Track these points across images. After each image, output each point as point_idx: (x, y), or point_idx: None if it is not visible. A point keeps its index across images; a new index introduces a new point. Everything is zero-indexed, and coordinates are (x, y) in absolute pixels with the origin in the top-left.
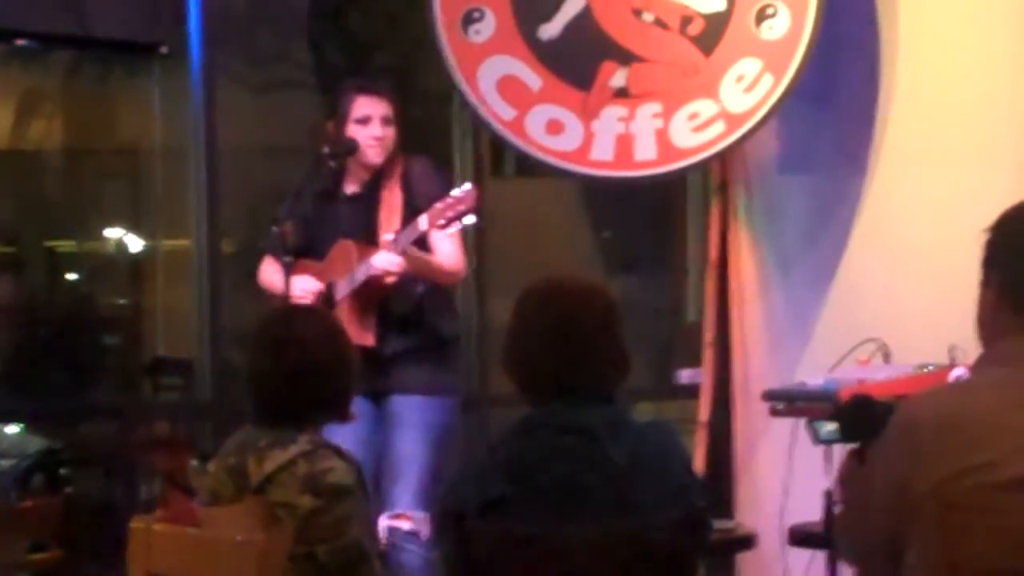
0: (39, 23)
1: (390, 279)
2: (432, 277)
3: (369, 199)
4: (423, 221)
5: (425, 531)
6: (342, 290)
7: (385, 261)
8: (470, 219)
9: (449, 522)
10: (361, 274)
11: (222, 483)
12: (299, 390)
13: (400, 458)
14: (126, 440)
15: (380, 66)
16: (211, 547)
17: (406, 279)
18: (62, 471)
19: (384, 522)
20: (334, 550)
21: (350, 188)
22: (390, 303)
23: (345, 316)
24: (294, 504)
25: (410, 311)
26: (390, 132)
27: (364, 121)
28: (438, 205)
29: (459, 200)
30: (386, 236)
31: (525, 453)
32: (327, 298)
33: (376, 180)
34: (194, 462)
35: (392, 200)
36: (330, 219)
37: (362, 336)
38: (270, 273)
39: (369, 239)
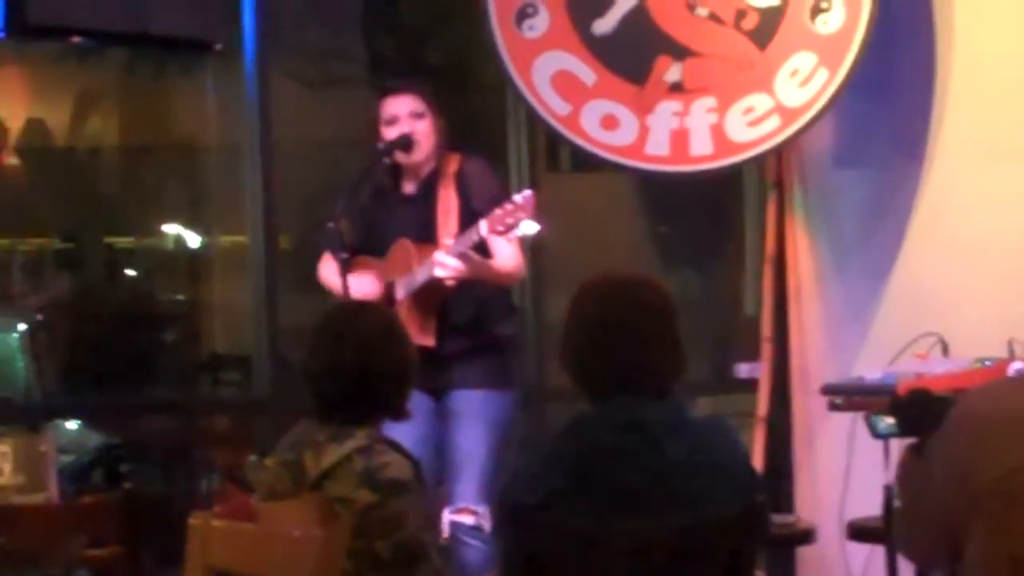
0: (94, 21)
1: (450, 282)
2: (491, 280)
3: (426, 199)
4: (483, 227)
5: (488, 525)
6: (402, 290)
7: (445, 265)
8: (530, 226)
9: (508, 517)
10: (421, 276)
11: (280, 478)
12: (357, 387)
13: (461, 453)
14: (184, 436)
15: (434, 61)
16: (270, 542)
17: (466, 282)
18: (121, 467)
19: (447, 516)
20: (392, 545)
21: (407, 188)
22: (450, 305)
23: (405, 316)
24: (351, 499)
25: (470, 313)
26: (423, 125)
27: (392, 122)
28: (498, 211)
29: (519, 207)
30: (446, 240)
31: (583, 449)
32: (388, 297)
33: (431, 181)
34: (252, 457)
35: (448, 200)
36: (388, 218)
37: (423, 337)
38: (329, 271)
39: (426, 238)
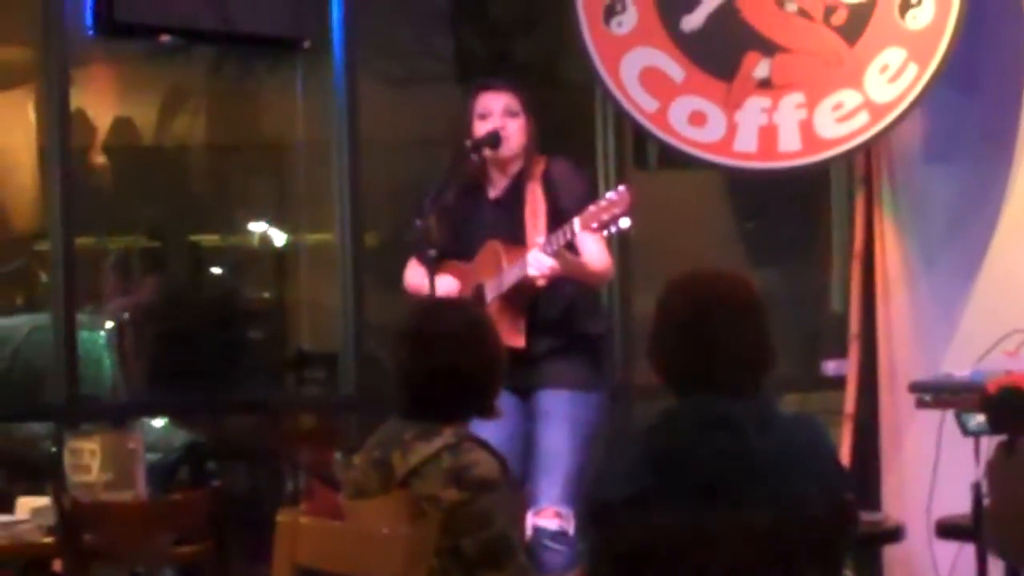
0: (182, 19)
1: (541, 282)
2: (582, 279)
3: (512, 201)
4: (576, 224)
5: (572, 528)
6: (492, 291)
7: (538, 264)
8: (625, 222)
9: (596, 514)
10: (512, 276)
11: (367, 476)
12: (445, 385)
13: (547, 453)
14: (271, 434)
15: (521, 58)
16: (358, 540)
17: (556, 281)
18: (207, 464)
19: (531, 519)
20: (479, 543)
21: (494, 190)
22: (539, 304)
23: (495, 317)
24: (439, 497)
25: (560, 312)
26: (516, 123)
27: (485, 116)
28: (592, 208)
29: (613, 203)
30: (538, 239)
31: (670, 446)
32: (478, 299)
33: (519, 182)
34: (338, 455)
35: (535, 201)
36: (475, 219)
37: (513, 337)
38: (416, 276)
39: (514, 240)
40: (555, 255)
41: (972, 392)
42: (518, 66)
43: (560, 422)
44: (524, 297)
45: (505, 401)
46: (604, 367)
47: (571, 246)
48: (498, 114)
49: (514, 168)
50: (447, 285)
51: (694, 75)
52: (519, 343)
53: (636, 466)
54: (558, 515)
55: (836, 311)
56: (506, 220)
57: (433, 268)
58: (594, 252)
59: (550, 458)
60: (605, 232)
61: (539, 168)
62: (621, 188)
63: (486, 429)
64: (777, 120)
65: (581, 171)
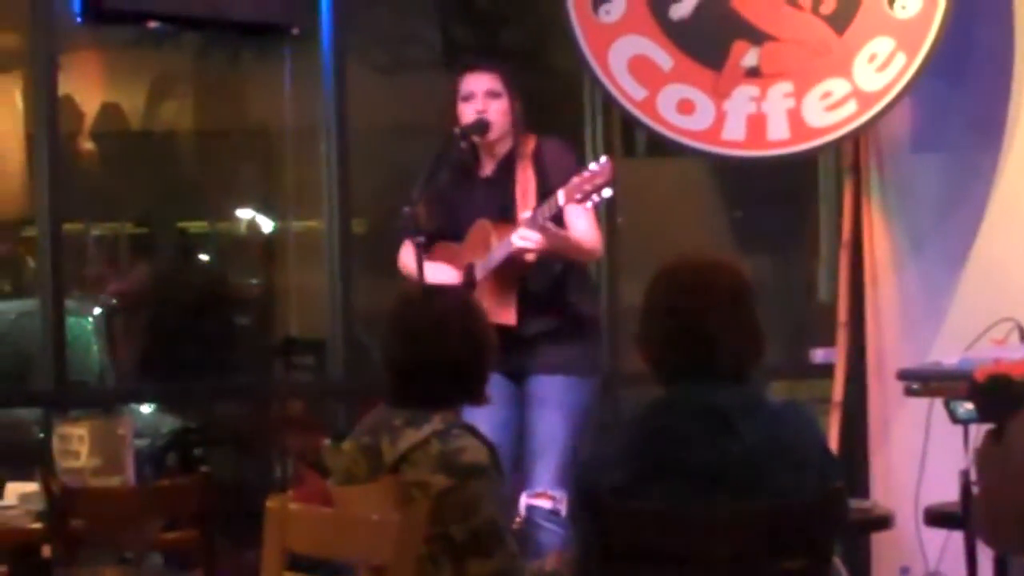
0: (170, 6)
1: (529, 256)
2: (570, 254)
3: (503, 180)
4: (560, 196)
5: (565, 510)
6: (482, 270)
7: (524, 237)
8: (608, 192)
9: (585, 502)
10: (501, 252)
11: (356, 462)
12: (434, 372)
13: (540, 438)
14: (259, 420)
15: (509, 46)
16: (347, 526)
17: (545, 257)
18: (195, 451)
19: (524, 500)
20: (468, 529)
21: (484, 170)
22: (529, 282)
23: (485, 295)
24: (428, 483)
25: (549, 290)
26: (498, 105)
27: (468, 98)
28: (575, 179)
29: (596, 174)
30: (524, 213)
31: (658, 433)
32: (468, 279)
33: (508, 161)
34: (328, 441)
35: (526, 180)
36: (466, 200)
37: (503, 315)
38: (410, 258)
39: (505, 219)
40: (542, 228)
41: (960, 380)
42: (506, 54)
43: (553, 407)
44: (514, 273)
45: (498, 386)
46: (596, 351)
47: (560, 222)
48: (480, 96)
49: (503, 148)
50: (443, 275)
51: (682, 63)
52: (510, 320)
53: (625, 454)
54: (552, 498)
55: (824, 299)
56: (497, 199)
57: (422, 255)
58: (583, 227)
59: (544, 443)
60: (590, 203)
61: (529, 147)
62: (603, 159)
63: (479, 415)
64: (765, 109)
65: (571, 150)
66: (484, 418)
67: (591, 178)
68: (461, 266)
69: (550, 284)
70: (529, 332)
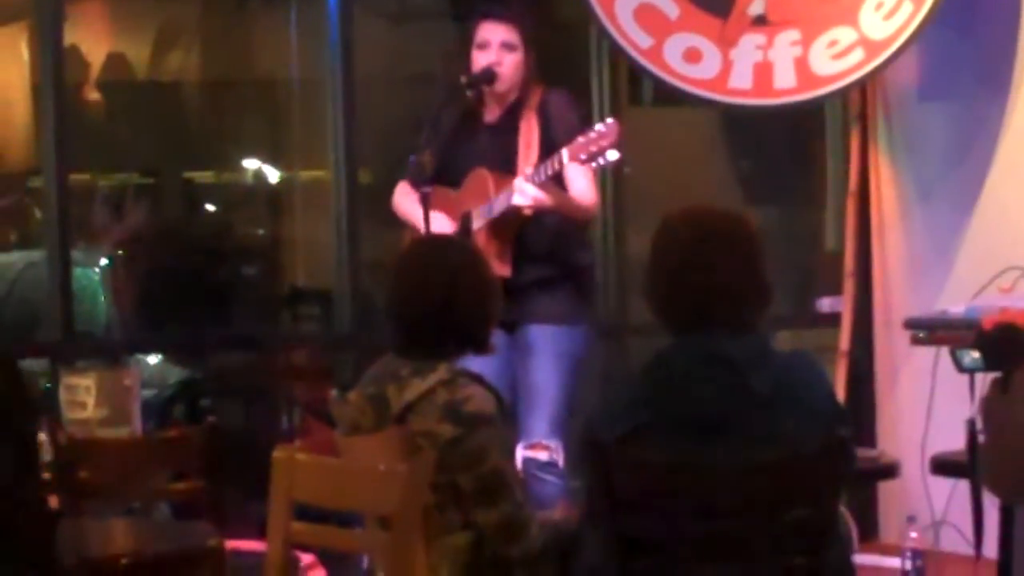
0: None
1: (528, 211)
2: (567, 212)
3: (507, 129)
4: (564, 155)
5: (561, 460)
6: (479, 220)
7: (523, 192)
8: (612, 155)
9: (591, 451)
10: (500, 205)
11: (363, 412)
12: (441, 321)
13: (535, 387)
14: (266, 370)
15: None
16: (355, 476)
17: (542, 212)
18: (202, 401)
19: (520, 452)
20: (475, 477)
21: (488, 118)
22: (525, 233)
23: (482, 245)
24: (434, 432)
25: (545, 242)
26: (512, 58)
27: (483, 46)
28: (580, 139)
29: (602, 135)
30: (526, 169)
31: (667, 383)
32: (464, 227)
33: (514, 110)
34: (333, 392)
35: (530, 131)
36: (468, 148)
37: (499, 266)
38: (405, 202)
39: (506, 169)
40: (541, 186)
41: (967, 329)
42: (513, 2)
43: (546, 356)
44: (511, 226)
45: (493, 337)
46: (589, 299)
47: (559, 179)
48: (495, 47)
49: (511, 98)
50: (439, 223)
51: (689, 12)
52: (505, 272)
53: (633, 403)
54: (547, 448)
55: (831, 249)
56: (500, 148)
57: (428, 205)
58: (581, 186)
59: (537, 392)
60: (594, 164)
61: (536, 98)
62: (610, 120)
63: (474, 364)
64: (772, 57)
65: (577, 103)
66: (479, 367)
67: (597, 139)
68: (457, 213)
69: (545, 235)
70: (522, 281)
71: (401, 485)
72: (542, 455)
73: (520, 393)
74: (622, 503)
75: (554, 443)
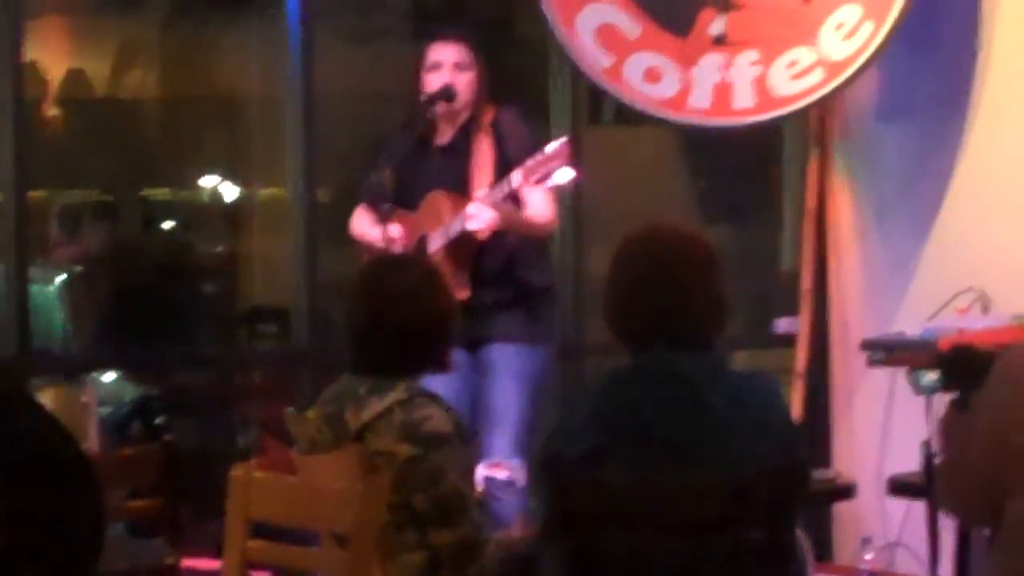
0: None
1: (483, 234)
2: (524, 231)
3: (460, 150)
4: (516, 177)
5: (522, 480)
6: (435, 242)
7: (478, 216)
8: (564, 174)
9: (546, 471)
10: (455, 227)
11: (320, 431)
12: (399, 340)
13: (496, 407)
14: (222, 389)
15: (476, 14)
16: (311, 495)
17: (498, 232)
18: (158, 419)
19: (481, 471)
20: (432, 498)
21: (440, 140)
22: (482, 256)
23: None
24: (392, 452)
25: (502, 263)
26: (464, 77)
27: (435, 67)
28: (530, 161)
29: (552, 156)
30: (478, 192)
31: (623, 402)
32: (421, 250)
33: (466, 131)
34: (291, 410)
35: (483, 151)
36: (423, 169)
37: (456, 289)
38: (363, 223)
39: (461, 190)
40: (495, 207)
41: (924, 350)
42: (472, 21)
43: (507, 376)
44: (467, 248)
45: (453, 356)
46: (549, 320)
47: (516, 197)
48: (448, 67)
49: (463, 118)
50: (393, 232)
51: (650, 31)
52: (463, 295)
53: (589, 422)
54: (507, 467)
55: (787, 269)
56: (453, 169)
57: (388, 222)
58: (537, 204)
59: (498, 412)
60: (546, 185)
61: (487, 117)
62: (561, 140)
63: (434, 384)
64: (732, 77)
65: (529, 121)
66: (439, 387)
67: (546, 161)
68: (413, 235)
69: (503, 257)
70: (482, 302)
71: (357, 504)
72: (502, 474)
73: (481, 412)
74: (579, 521)
75: (515, 462)
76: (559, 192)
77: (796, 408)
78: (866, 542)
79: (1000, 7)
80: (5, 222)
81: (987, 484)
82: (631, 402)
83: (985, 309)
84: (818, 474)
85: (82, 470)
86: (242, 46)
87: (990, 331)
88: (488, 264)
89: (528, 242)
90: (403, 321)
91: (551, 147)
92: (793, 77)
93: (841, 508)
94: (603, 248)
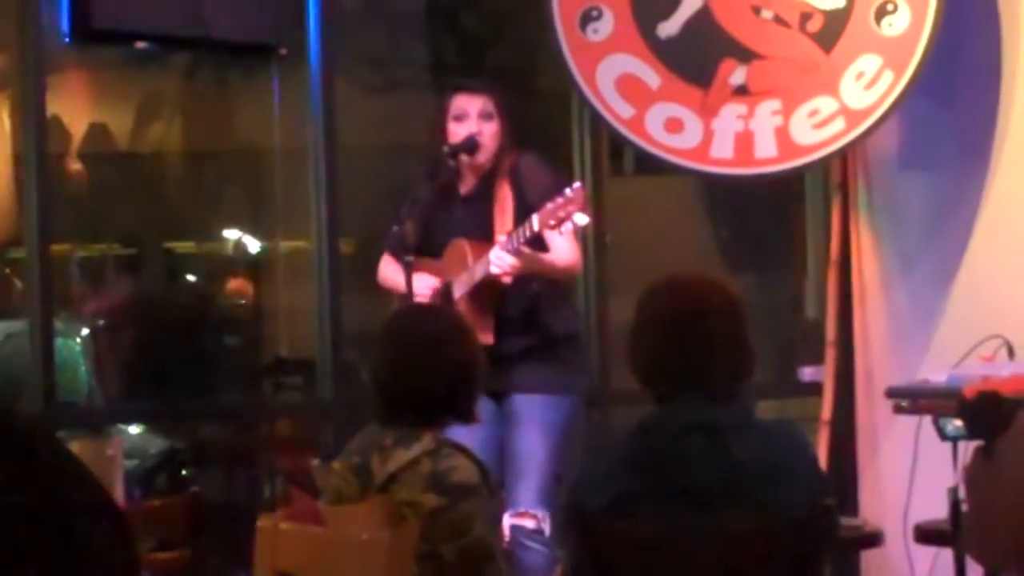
0: (158, 26)
1: (506, 279)
2: (548, 274)
3: (483, 198)
4: (535, 222)
5: (548, 529)
6: (459, 289)
7: (499, 261)
8: (581, 218)
9: (574, 520)
10: (478, 274)
11: (347, 482)
12: (425, 390)
13: (522, 457)
14: (247, 440)
15: (496, 65)
16: (338, 546)
17: (522, 278)
18: (184, 471)
19: (507, 521)
20: (459, 548)
21: (464, 188)
22: (507, 302)
23: (463, 315)
24: (418, 502)
25: (526, 309)
26: (490, 127)
27: (461, 118)
28: (548, 205)
29: (569, 200)
30: (500, 237)
31: (650, 451)
32: (445, 297)
33: (489, 178)
34: (317, 461)
35: (504, 198)
36: (446, 219)
37: (481, 335)
38: (390, 271)
39: (484, 237)
40: (516, 252)
41: (949, 397)
42: (493, 73)
43: (533, 426)
44: (491, 294)
45: (479, 406)
46: (575, 369)
47: (540, 241)
48: (474, 117)
49: (485, 167)
50: (424, 283)
51: (670, 82)
52: (488, 340)
53: (616, 471)
54: (535, 517)
55: (812, 317)
56: (476, 217)
57: (411, 273)
58: (561, 247)
59: (524, 462)
60: (564, 229)
61: (508, 164)
62: (576, 185)
63: (460, 434)
64: (753, 127)
65: (548, 165)
66: (464, 437)
67: (564, 204)
68: (438, 283)
69: (528, 303)
70: (508, 351)
71: (385, 555)
72: (529, 523)
73: (507, 462)
74: (606, 570)
75: (541, 512)
76: (580, 235)
77: (822, 456)
78: None
79: (1020, 55)
80: (29, 275)
81: (1014, 533)
82: (657, 452)
83: (1011, 356)
84: (845, 521)
85: (118, 517)
86: (264, 99)
87: (1015, 378)
88: (513, 311)
89: (553, 289)
90: (430, 372)
91: (568, 191)
92: (815, 126)
93: (868, 556)
94: (626, 298)
